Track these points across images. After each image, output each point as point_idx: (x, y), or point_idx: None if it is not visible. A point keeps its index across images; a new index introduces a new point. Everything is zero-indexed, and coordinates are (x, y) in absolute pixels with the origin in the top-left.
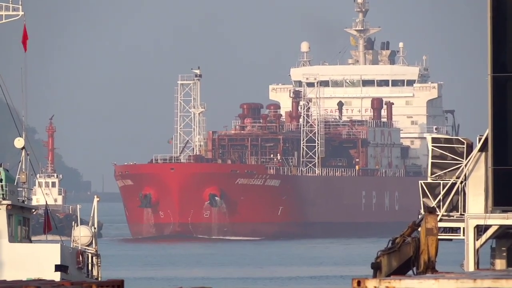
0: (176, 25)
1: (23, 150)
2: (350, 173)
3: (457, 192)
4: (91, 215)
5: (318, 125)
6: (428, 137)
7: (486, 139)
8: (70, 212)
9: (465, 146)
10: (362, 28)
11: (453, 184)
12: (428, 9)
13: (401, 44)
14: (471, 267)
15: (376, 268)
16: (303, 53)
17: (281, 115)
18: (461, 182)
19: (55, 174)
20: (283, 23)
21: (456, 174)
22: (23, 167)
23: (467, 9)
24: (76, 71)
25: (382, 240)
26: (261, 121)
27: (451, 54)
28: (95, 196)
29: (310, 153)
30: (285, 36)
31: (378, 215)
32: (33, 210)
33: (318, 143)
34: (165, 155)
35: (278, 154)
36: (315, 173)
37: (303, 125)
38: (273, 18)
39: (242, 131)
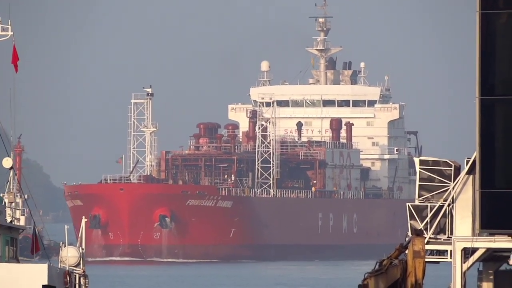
0: (132, 42)
1: (11, 170)
2: (306, 194)
3: (444, 215)
4: (79, 235)
5: (273, 145)
6: (416, 159)
7: (474, 161)
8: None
9: (452, 168)
10: (324, 48)
11: (441, 207)
12: (391, 29)
13: (362, 64)
14: None
15: None
16: (263, 72)
17: (237, 135)
18: (449, 205)
19: (19, 194)
20: (245, 40)
21: (444, 196)
22: (11, 187)
23: (430, 30)
24: (57, 87)
25: (338, 263)
26: (217, 141)
27: (414, 74)
28: (83, 217)
29: (265, 174)
30: (246, 54)
31: (335, 237)
32: (21, 230)
33: (273, 164)
34: (115, 175)
35: (232, 175)
36: (269, 194)
37: (259, 145)
38: (235, 35)
39: (196, 151)
